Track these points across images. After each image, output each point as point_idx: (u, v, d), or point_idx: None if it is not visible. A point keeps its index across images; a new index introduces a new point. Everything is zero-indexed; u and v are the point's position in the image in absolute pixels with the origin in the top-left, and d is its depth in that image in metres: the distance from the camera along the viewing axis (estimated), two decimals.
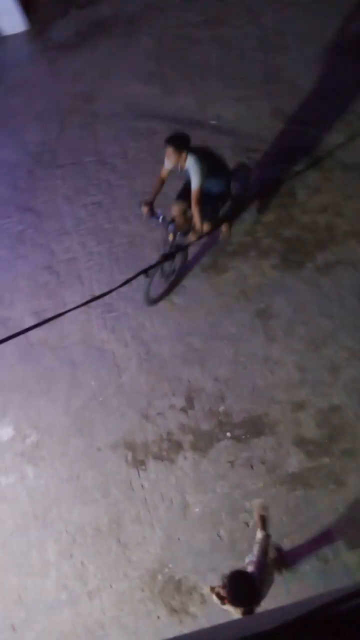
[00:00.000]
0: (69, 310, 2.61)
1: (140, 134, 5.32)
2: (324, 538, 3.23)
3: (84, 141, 5.45)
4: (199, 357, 4.02)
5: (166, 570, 3.43)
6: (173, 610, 3.32)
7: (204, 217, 3.74)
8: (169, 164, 3.74)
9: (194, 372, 3.98)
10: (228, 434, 3.71)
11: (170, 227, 3.85)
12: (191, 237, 3.88)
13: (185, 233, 3.93)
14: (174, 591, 3.36)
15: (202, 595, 3.32)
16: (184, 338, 4.11)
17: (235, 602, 2.26)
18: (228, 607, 2.36)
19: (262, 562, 2.47)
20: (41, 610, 3.49)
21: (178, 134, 3.68)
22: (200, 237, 3.84)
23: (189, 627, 3.25)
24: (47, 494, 3.82)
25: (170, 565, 3.44)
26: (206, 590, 3.27)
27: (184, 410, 3.88)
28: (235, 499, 3.52)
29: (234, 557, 3.34)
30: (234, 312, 4.12)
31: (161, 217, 3.85)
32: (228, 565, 3.28)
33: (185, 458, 3.72)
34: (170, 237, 3.89)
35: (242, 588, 2.27)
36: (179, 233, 3.91)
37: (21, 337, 3.77)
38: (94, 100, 5.79)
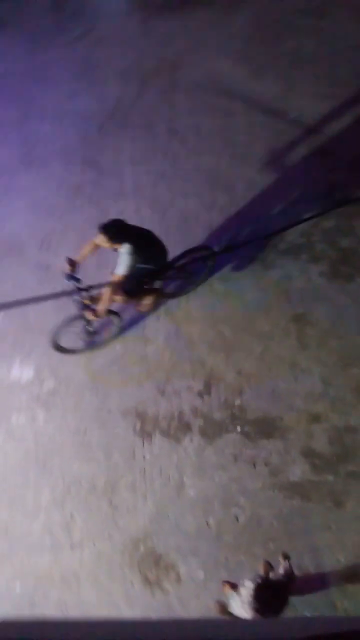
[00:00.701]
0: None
1: (217, 111, 5.20)
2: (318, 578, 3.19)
3: (160, 107, 5.37)
4: (227, 347, 4.00)
5: (149, 542, 3.49)
6: (147, 581, 3.39)
7: (123, 293, 3.60)
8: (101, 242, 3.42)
9: (218, 360, 3.96)
10: (238, 428, 3.70)
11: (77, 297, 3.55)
12: (90, 315, 3.61)
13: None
14: (152, 564, 3.42)
15: (178, 574, 3.37)
16: (216, 324, 4.09)
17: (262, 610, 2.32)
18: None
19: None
20: (23, 548, 3.61)
21: (115, 224, 3.32)
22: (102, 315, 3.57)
23: (159, 600, 3.32)
24: (53, 441, 3.90)
25: (154, 539, 3.50)
26: (183, 570, 3.34)
27: (200, 394, 3.88)
28: (231, 492, 3.53)
29: (217, 547, 3.38)
30: (272, 310, 4.06)
31: (77, 283, 3.48)
32: (210, 554, 3.35)
33: (191, 440, 3.74)
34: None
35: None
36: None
37: (59, 287, 3.86)
38: (178, 68, 5.67)
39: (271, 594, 2.38)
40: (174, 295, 4.17)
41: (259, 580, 2.46)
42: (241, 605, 2.41)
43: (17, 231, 4.81)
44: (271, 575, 2.62)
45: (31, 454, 3.89)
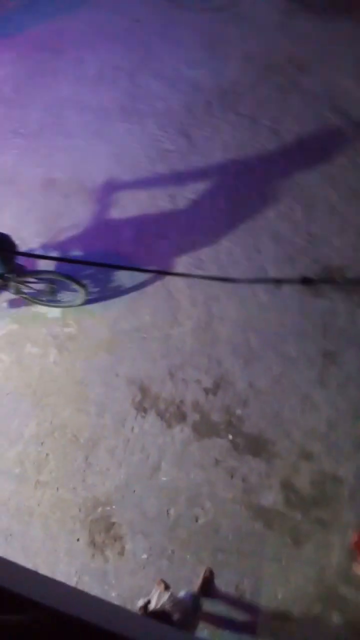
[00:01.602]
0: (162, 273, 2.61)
1: (327, 127, 5.09)
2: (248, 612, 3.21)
3: (271, 104, 5.30)
4: (248, 356, 3.99)
5: (108, 508, 3.58)
6: (92, 543, 3.49)
7: None
8: None
9: (235, 365, 3.97)
10: (230, 437, 3.71)
11: None
12: None
13: None
14: (103, 529, 3.52)
15: (123, 547, 3.45)
16: (246, 331, 4.08)
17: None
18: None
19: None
20: None
21: None
22: None
23: (96, 565, 3.42)
24: (55, 381, 4.02)
25: (113, 506, 3.58)
26: (129, 546, 3.41)
27: (206, 391, 3.90)
28: (200, 492, 3.56)
29: (168, 537, 3.44)
30: (305, 338, 4.02)
31: None
32: (159, 541, 3.41)
33: (181, 431, 3.78)
34: None
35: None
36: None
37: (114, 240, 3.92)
38: (304, 70, 5.56)
39: (178, 615, 2.39)
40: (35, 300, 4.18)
41: (175, 601, 2.49)
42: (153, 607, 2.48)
43: (93, 175, 4.88)
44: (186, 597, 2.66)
45: (31, 386, 4.02)
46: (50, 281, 4.00)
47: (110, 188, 4.80)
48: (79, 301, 4.14)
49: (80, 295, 4.06)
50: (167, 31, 5.89)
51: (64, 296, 4.19)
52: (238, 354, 4.00)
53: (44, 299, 4.16)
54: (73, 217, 4.68)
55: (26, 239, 4.53)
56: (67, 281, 3.93)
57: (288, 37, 5.90)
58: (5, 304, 4.32)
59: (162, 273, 4.33)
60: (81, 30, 5.80)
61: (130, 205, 4.71)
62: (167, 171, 4.86)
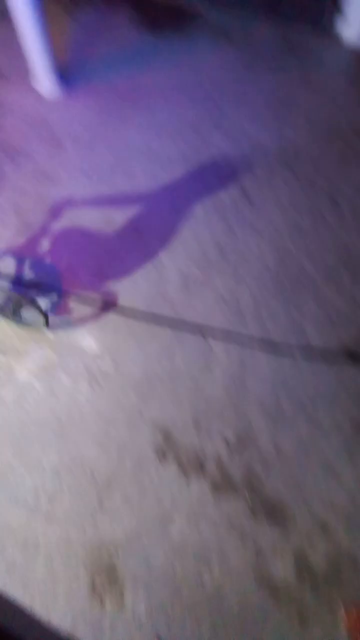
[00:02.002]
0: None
1: None
2: None
3: (333, 172, 5.36)
4: (277, 417, 3.89)
5: (114, 554, 3.51)
6: (93, 589, 3.41)
7: None
8: None
9: (262, 424, 3.87)
10: (247, 497, 3.58)
11: None
12: None
13: None
14: (105, 576, 3.44)
15: (122, 598, 3.35)
16: (278, 390, 3.99)
17: None
18: None
19: None
20: (7, 495, 3.79)
21: None
22: None
23: (94, 613, 3.32)
24: (81, 415, 4.06)
25: (120, 554, 3.50)
26: (129, 598, 3.30)
27: (229, 446, 3.82)
28: (210, 552, 3.43)
29: (170, 595, 3.31)
30: (338, 406, 3.88)
31: None
32: (160, 598, 3.29)
33: (199, 484, 3.69)
34: None
35: None
36: None
37: (160, 285, 4.00)
38: None
39: None
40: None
41: None
42: None
43: (149, 221, 5.06)
44: None
45: (58, 417, 4.08)
46: (19, 301, 4.35)
47: (164, 234, 4.95)
48: (38, 325, 4.41)
49: (39, 321, 4.35)
50: (236, 89, 6.16)
51: (29, 316, 4.45)
52: (267, 413, 3.91)
53: (7, 313, 4.42)
54: (124, 257, 4.83)
55: (76, 270, 4.71)
56: (31, 305, 4.25)
57: (355, 108, 6.02)
58: (49, 334, 4.47)
59: (202, 328, 4.35)
60: (157, 84, 6.17)
61: (179, 251, 4.83)
62: (220, 222, 4.96)
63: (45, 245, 4.92)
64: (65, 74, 6.15)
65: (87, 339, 4.42)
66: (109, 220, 5.08)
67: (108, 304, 4.53)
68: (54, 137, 5.72)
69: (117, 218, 5.09)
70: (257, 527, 3.47)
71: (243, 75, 6.32)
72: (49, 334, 4.46)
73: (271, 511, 3.50)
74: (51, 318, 4.45)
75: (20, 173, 5.48)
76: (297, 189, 5.21)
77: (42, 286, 4.59)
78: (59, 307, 4.52)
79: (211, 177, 5.32)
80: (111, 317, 4.45)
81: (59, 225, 5.06)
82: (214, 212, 5.06)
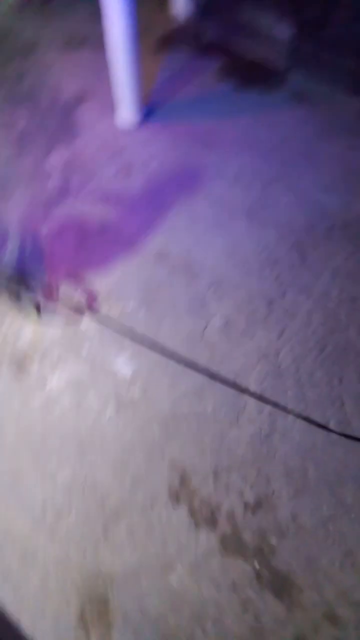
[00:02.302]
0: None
1: None
2: None
3: None
4: (300, 486, 3.82)
5: (109, 589, 3.42)
6: (81, 618, 3.31)
7: None
8: None
9: (284, 490, 3.80)
10: (256, 565, 3.49)
11: None
12: None
13: None
14: (96, 608, 3.35)
15: (109, 631, 3.24)
16: (306, 458, 3.93)
17: None
18: None
19: None
20: (17, 501, 3.75)
21: None
22: None
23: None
24: (103, 439, 4.05)
25: (115, 590, 3.42)
26: (115, 638, 3.20)
27: (245, 505, 3.74)
28: (207, 612, 3.32)
29: None
30: None
31: None
32: None
33: (207, 538, 3.61)
34: None
35: None
36: None
37: (200, 328, 4.01)
38: None
39: None
40: None
41: None
42: None
43: (202, 261, 5.14)
44: None
45: (79, 432, 4.07)
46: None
47: (213, 277, 5.02)
48: (31, 317, 4.66)
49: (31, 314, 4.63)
50: (310, 152, 6.33)
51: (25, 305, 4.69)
52: (290, 479, 3.84)
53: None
54: (170, 291, 4.90)
55: (124, 298, 4.78)
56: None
57: None
58: (85, 350, 4.51)
59: (237, 379, 4.35)
60: (232, 135, 6.37)
61: (228, 297, 4.87)
62: (271, 278, 5.02)
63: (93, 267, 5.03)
64: (146, 108, 6.41)
65: (121, 364, 4.44)
66: (162, 253, 5.17)
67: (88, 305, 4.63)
68: (123, 164, 5.92)
69: (172, 251, 5.19)
70: (260, 598, 3.36)
71: (319, 140, 6.50)
72: (85, 350, 4.49)
73: (279, 585, 3.39)
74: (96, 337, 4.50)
75: (82, 191, 5.66)
76: (353, 259, 5.26)
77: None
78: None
79: (270, 233, 5.41)
80: (149, 351, 4.47)
81: (116, 250, 5.18)
82: (268, 267, 5.12)
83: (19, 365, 4.44)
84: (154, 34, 7.31)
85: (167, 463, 3.95)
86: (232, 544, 3.58)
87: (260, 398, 4.21)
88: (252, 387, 4.32)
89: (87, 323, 4.64)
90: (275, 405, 4.17)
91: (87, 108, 6.46)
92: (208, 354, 4.52)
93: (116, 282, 4.93)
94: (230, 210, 5.54)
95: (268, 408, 4.19)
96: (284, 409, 4.15)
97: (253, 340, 4.61)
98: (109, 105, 6.30)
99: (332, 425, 4.07)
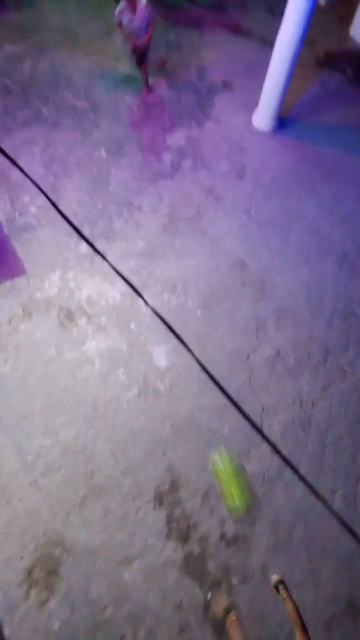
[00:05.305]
0: None
1: None
2: None
3: None
4: (282, 541, 3.78)
5: (65, 557, 3.56)
6: (28, 573, 3.48)
7: None
8: None
9: (264, 540, 3.78)
10: (209, 596, 3.51)
11: None
12: None
13: None
14: (46, 570, 3.51)
15: (47, 602, 3.38)
16: (297, 517, 3.88)
17: None
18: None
19: None
20: (13, 440, 3.97)
21: None
22: None
23: (17, 595, 3.38)
24: (115, 416, 4.18)
25: (70, 560, 3.55)
26: (52, 603, 3.32)
27: (222, 535, 3.76)
28: (144, 617, 3.39)
29: (87, 631, 3.29)
30: (343, 575, 3.70)
31: None
32: (79, 624, 3.28)
33: (174, 550, 3.68)
34: None
35: None
36: None
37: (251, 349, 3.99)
38: None
39: None
40: None
41: None
42: None
43: (277, 284, 5.11)
44: None
45: (96, 401, 4.22)
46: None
47: (282, 305, 4.98)
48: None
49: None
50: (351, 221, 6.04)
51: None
52: (275, 531, 3.81)
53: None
54: (235, 302, 4.92)
55: (188, 292, 4.86)
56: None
57: None
58: (132, 326, 4.63)
59: (264, 413, 4.33)
60: (357, 170, 6.21)
61: (287, 329, 4.83)
62: (340, 329, 4.91)
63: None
64: (284, 119, 6.37)
65: (160, 353, 4.53)
66: (241, 263, 5.19)
67: None
68: (240, 164, 5.95)
69: (252, 265, 5.19)
70: (200, 629, 3.39)
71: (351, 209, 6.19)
72: (133, 326, 4.62)
73: (222, 625, 3.39)
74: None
75: (193, 175, 5.75)
76: None
77: None
78: None
79: (358, 285, 5.27)
80: (189, 352, 4.52)
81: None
82: (342, 318, 5.01)
83: (68, 315, 4.64)
84: (322, 47, 7.23)
85: (165, 464, 4.03)
86: (194, 566, 3.61)
87: (279, 442, 4.17)
88: (276, 426, 4.29)
89: (143, 305, 4.77)
90: (290, 454, 4.12)
91: (228, 97, 6.53)
92: (246, 376, 4.52)
93: (186, 273, 5.01)
94: (325, 247, 5.45)
95: (277, 461, 4.14)
96: (298, 464, 4.09)
97: (296, 381, 4.56)
98: (249, 103, 6.33)
99: (337, 497, 3.98)
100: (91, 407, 4.21)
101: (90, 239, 5.09)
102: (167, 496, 3.89)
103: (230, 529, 3.79)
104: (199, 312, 4.81)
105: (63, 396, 4.23)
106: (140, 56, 5.83)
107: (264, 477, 4.03)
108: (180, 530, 3.76)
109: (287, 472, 4.04)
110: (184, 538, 3.73)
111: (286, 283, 5.14)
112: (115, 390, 4.31)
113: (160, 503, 3.86)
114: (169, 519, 3.80)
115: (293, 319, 4.92)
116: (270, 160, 6.04)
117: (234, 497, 3.64)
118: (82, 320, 4.63)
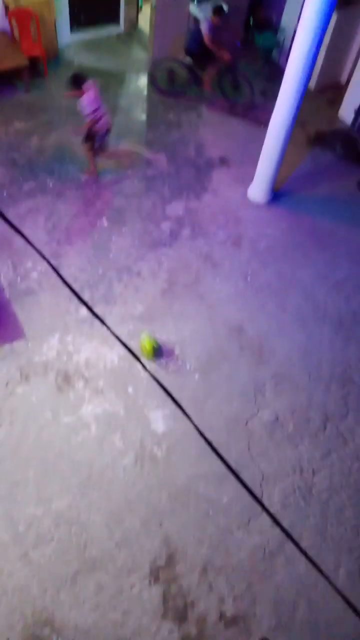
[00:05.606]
0: None
1: None
2: None
3: None
4: (284, 622, 3.56)
5: (54, 638, 3.33)
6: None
7: None
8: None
9: (266, 617, 3.57)
10: None
11: None
12: None
13: None
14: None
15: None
16: (299, 599, 3.68)
17: None
18: None
19: None
20: (4, 508, 3.83)
21: None
22: None
23: None
24: (110, 484, 4.07)
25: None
26: None
27: (222, 615, 3.55)
28: None
29: None
30: None
31: None
32: None
33: (170, 631, 3.46)
34: None
35: None
36: None
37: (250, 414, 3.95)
38: None
39: None
40: None
41: None
42: None
43: (275, 348, 5.14)
44: None
45: (91, 468, 4.12)
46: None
47: (280, 370, 4.99)
48: None
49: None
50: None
51: None
52: (277, 610, 3.60)
53: None
54: (232, 367, 4.93)
55: (186, 356, 4.88)
56: None
57: None
58: (130, 390, 4.60)
59: (263, 483, 4.23)
60: (354, 245, 6.41)
61: (285, 394, 4.81)
62: (338, 395, 4.89)
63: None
64: (277, 190, 6.67)
65: (157, 418, 4.48)
66: (239, 328, 5.25)
67: None
68: (237, 233, 6.17)
69: (249, 329, 5.24)
70: None
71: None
72: (131, 389, 4.59)
73: None
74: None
75: (191, 243, 5.94)
76: None
77: None
78: None
79: (354, 351, 5.29)
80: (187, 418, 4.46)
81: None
82: (340, 383, 5.01)
83: (65, 378, 4.62)
84: (313, 127, 7.71)
85: (161, 536, 3.87)
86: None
87: (279, 514, 4.03)
88: (276, 495, 4.17)
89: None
90: (292, 528, 3.97)
91: (225, 172, 6.87)
92: (245, 443, 4.45)
93: (184, 337, 5.06)
94: (320, 312, 5.55)
95: (285, 526, 4.00)
96: (299, 539, 3.94)
97: (295, 449, 4.48)
98: (245, 177, 6.66)
99: (341, 574, 3.80)
100: (86, 474, 4.10)
101: (90, 303, 5.18)
102: (163, 571, 3.71)
103: (229, 608, 3.58)
104: (196, 376, 4.81)
105: (57, 463, 4.13)
106: (87, 138, 5.94)
107: (264, 550, 3.87)
108: (177, 608, 3.56)
109: (289, 546, 3.88)
110: (181, 618, 3.52)
111: (284, 348, 5.18)
112: (110, 457, 4.22)
113: (156, 579, 3.68)
114: (165, 597, 3.60)
115: (291, 384, 4.91)
116: (266, 230, 6.27)
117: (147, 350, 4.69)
118: (80, 384, 4.61)
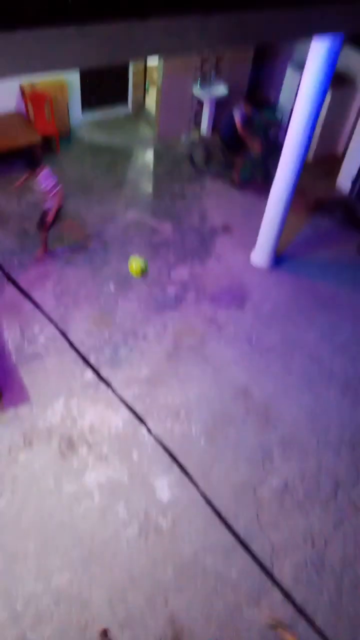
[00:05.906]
0: None
1: None
2: None
3: None
4: None
5: None
6: None
7: None
8: None
9: None
10: None
11: None
12: None
13: None
14: None
15: None
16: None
17: None
18: None
19: None
20: (4, 585, 3.65)
21: None
22: None
23: None
24: (114, 558, 3.90)
25: None
26: None
27: None
28: None
29: None
30: None
31: None
32: None
33: None
34: None
35: None
36: None
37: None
38: None
39: None
40: None
41: None
42: None
43: (283, 412, 5.07)
44: None
45: (94, 540, 3.96)
46: None
47: (288, 434, 4.89)
48: None
49: None
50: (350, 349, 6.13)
51: None
52: None
53: None
54: (239, 431, 4.83)
55: (191, 420, 4.81)
56: None
57: None
58: (134, 456, 4.51)
59: (273, 557, 4.03)
60: (354, 305, 6.48)
61: (293, 460, 4.68)
62: (349, 460, 4.76)
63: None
64: (279, 255, 6.83)
65: (162, 485, 4.35)
66: (245, 391, 5.20)
67: None
68: (241, 296, 6.26)
69: (255, 392, 5.19)
70: None
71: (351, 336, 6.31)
72: (135, 455, 4.49)
73: None
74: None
75: (196, 307, 6.01)
76: None
77: None
78: None
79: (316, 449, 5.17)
80: (193, 485, 4.35)
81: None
82: (349, 447, 4.88)
83: (69, 444, 4.54)
84: (312, 195, 8.01)
85: (166, 614, 3.65)
86: None
87: (291, 588, 3.81)
88: (287, 568, 3.95)
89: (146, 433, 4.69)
90: (305, 604, 3.74)
91: (228, 239, 7.08)
92: (253, 512, 4.28)
93: (190, 401, 5.01)
94: (326, 374, 5.51)
95: (292, 608, 3.77)
96: (313, 617, 3.70)
97: (306, 518, 4.30)
98: (248, 243, 6.84)
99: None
100: (88, 547, 3.93)
101: (95, 366, 5.19)
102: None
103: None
104: (202, 440, 4.71)
105: (58, 535, 3.98)
106: (42, 218, 6.15)
107: (276, 633, 3.61)
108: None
109: (302, 624, 3.63)
110: None
111: (291, 411, 5.10)
112: (114, 528, 4.06)
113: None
114: None
115: (300, 449, 4.79)
116: (269, 293, 6.36)
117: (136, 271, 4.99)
118: (83, 450, 4.52)
